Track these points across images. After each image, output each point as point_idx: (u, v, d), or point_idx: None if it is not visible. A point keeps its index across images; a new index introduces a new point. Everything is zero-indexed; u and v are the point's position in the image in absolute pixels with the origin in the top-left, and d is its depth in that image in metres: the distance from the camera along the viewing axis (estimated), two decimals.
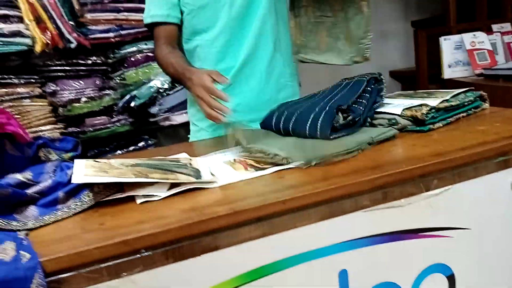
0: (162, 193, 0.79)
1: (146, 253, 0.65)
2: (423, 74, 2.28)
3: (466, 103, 1.14)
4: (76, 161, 0.85)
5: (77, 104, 2.16)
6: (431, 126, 1.04)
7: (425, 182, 0.80)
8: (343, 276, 0.76)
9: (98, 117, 2.21)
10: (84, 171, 0.81)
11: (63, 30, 2.03)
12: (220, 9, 1.26)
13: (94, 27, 2.12)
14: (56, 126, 2.14)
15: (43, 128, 2.11)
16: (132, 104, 2.20)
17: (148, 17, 1.31)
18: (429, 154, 0.84)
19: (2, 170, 0.86)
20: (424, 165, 0.79)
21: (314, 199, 0.73)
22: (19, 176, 0.82)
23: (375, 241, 0.78)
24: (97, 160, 0.87)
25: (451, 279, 0.86)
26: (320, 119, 1.01)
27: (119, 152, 2.30)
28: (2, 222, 0.71)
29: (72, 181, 0.77)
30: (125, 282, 0.64)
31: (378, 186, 0.76)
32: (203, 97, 1.07)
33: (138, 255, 0.64)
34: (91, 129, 2.20)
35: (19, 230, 0.71)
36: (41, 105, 2.12)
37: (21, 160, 0.93)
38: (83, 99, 2.15)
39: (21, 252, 0.63)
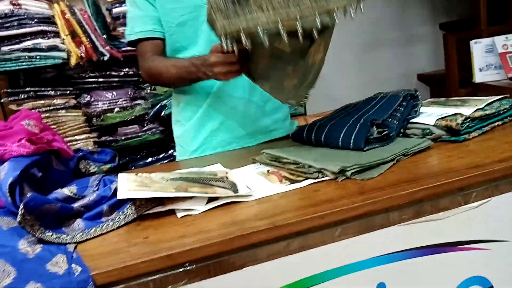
0: (201, 207, 0.82)
1: (189, 267, 0.67)
2: (453, 78, 2.25)
3: (501, 111, 1.12)
4: (119, 175, 0.89)
5: (110, 114, 2.22)
6: (466, 136, 1.04)
7: (464, 195, 0.80)
8: None
9: (130, 126, 2.28)
10: (127, 185, 0.84)
11: (97, 43, 2.10)
12: (200, 26, 1.20)
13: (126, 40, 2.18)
14: (90, 135, 2.21)
15: (77, 137, 2.19)
16: (163, 113, 2.25)
17: (133, 33, 1.25)
18: (466, 167, 0.84)
19: (49, 185, 0.90)
20: (462, 178, 0.79)
21: (352, 214, 0.74)
22: (66, 191, 0.86)
23: (413, 255, 0.78)
24: (138, 174, 0.91)
25: None
26: (354, 132, 1.02)
27: (150, 159, 2.36)
28: (53, 235, 0.75)
29: (117, 197, 0.80)
30: None
31: (415, 200, 0.77)
32: (220, 60, 1.02)
33: (182, 269, 0.67)
34: (123, 137, 2.26)
35: (68, 243, 0.74)
36: (75, 115, 2.20)
37: (65, 174, 0.98)
38: (116, 109, 2.21)
39: (73, 265, 0.66)
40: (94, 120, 2.21)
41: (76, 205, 0.83)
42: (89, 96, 2.18)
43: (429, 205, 0.78)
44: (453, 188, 0.79)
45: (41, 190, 0.84)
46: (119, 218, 0.82)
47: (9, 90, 2.11)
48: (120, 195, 0.79)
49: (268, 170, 1.00)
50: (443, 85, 2.54)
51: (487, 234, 0.83)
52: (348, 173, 0.87)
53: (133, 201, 0.83)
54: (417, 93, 1.15)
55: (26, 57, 2.05)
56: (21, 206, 0.71)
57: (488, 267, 0.84)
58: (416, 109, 1.13)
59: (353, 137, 1.01)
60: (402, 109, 1.10)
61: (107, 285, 0.65)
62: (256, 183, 0.92)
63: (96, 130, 2.24)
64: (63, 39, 2.08)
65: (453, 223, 0.79)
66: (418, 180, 0.80)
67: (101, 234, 0.78)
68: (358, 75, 2.90)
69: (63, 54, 2.09)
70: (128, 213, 0.82)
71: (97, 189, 0.89)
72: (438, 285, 0.81)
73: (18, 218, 0.70)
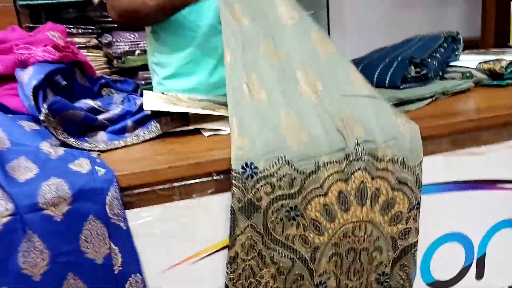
0: (229, 128, 0.78)
1: (217, 177, 0.64)
2: (488, 40, 2.15)
3: None
4: (145, 92, 0.85)
5: (131, 57, 2.18)
6: (509, 81, 0.98)
7: (507, 130, 0.75)
8: None
9: None
10: (154, 100, 0.81)
11: None
12: None
13: None
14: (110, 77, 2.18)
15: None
16: None
17: None
18: (511, 105, 0.78)
19: (71, 97, 0.87)
20: (508, 113, 0.74)
21: None
22: (91, 102, 0.83)
23: (450, 188, 0.74)
24: (164, 92, 0.87)
25: None
26: (391, 69, 0.97)
27: None
28: (75, 141, 0.73)
29: (143, 108, 0.77)
30: (195, 203, 0.64)
31: (455, 131, 0.72)
32: None
33: (210, 178, 0.64)
34: (143, 82, 2.23)
35: (91, 150, 0.72)
36: (96, 55, 2.17)
37: (89, 90, 0.95)
38: (137, 51, 2.17)
39: (96, 167, 0.64)
40: (115, 62, 2.17)
41: (100, 117, 0.80)
42: (110, 37, 2.14)
43: (470, 138, 0.74)
44: (498, 122, 0.74)
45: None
46: (143, 133, 0.79)
47: (31, 25, 2.07)
48: (146, 106, 0.76)
49: None
50: None
51: None
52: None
53: (158, 118, 0.80)
54: (459, 36, 1.08)
55: None
56: (45, 106, 0.68)
57: None
58: (457, 52, 1.07)
59: (389, 74, 0.96)
60: (443, 50, 1.04)
61: (132, 187, 0.62)
62: None
63: (116, 72, 2.21)
64: None
65: (495, 159, 0.75)
66: (460, 113, 0.76)
67: (125, 146, 0.75)
68: (387, 36, 2.79)
69: None
70: (152, 130, 0.79)
71: (122, 105, 0.86)
72: (472, 224, 0.78)
73: (42, 117, 0.68)
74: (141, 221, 0.63)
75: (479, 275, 0.81)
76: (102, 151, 0.73)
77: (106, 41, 2.13)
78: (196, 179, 0.64)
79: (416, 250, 0.72)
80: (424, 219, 0.74)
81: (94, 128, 0.80)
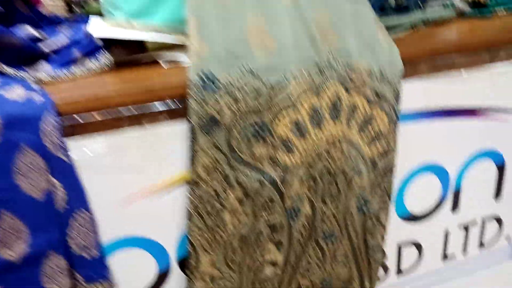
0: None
1: (172, 103, 0.58)
2: None
3: None
4: (92, 18, 0.76)
5: (93, 4, 2.03)
6: (493, 11, 0.91)
7: (491, 53, 0.69)
8: None
9: None
10: (103, 26, 0.72)
11: None
12: None
13: None
14: None
15: None
16: None
17: None
18: (495, 30, 0.73)
19: (12, 27, 0.78)
20: (491, 34, 0.68)
21: None
22: (32, 30, 0.74)
23: (427, 116, 0.69)
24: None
25: (501, 169, 0.78)
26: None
27: None
28: (11, 70, 0.64)
29: (90, 33, 0.68)
30: (147, 132, 0.57)
31: (437, 51, 0.66)
32: None
33: (163, 104, 0.57)
34: None
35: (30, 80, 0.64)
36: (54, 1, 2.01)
37: (32, 20, 0.85)
38: None
39: (32, 93, 0.56)
40: (75, 7, 2.02)
41: (43, 46, 0.72)
42: None
43: (450, 60, 0.68)
44: (480, 44, 0.68)
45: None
46: (93, 64, 0.70)
47: None
48: (94, 32, 0.68)
49: None
50: None
51: (509, 103, 0.74)
52: None
53: (110, 47, 0.71)
54: None
55: None
56: None
57: (505, 141, 0.76)
58: None
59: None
60: None
61: (74, 115, 0.55)
62: None
63: None
64: None
65: (475, 84, 0.70)
66: (438, 38, 0.70)
67: (71, 79, 0.67)
68: None
69: None
70: (103, 60, 0.71)
71: (69, 34, 0.76)
72: (448, 154, 0.74)
73: None
74: (86, 152, 0.56)
75: (455, 207, 0.78)
76: (44, 83, 0.65)
77: None
78: (147, 106, 0.57)
79: (395, 167, 0.67)
80: (399, 149, 0.69)
81: (36, 58, 0.71)
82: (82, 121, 0.55)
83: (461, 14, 0.92)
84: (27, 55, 0.69)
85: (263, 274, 0.66)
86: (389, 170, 0.66)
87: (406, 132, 0.69)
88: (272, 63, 0.58)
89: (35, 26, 0.85)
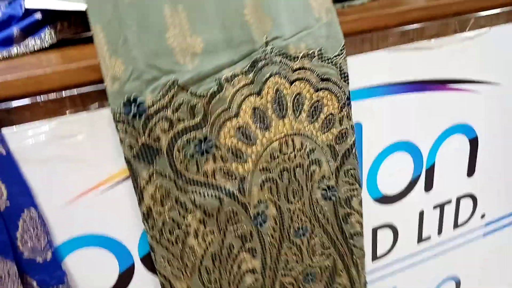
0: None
1: None
2: None
3: None
4: None
5: None
6: None
7: (460, 21, 0.67)
8: (357, 130, 0.65)
9: None
10: None
11: None
12: None
13: None
14: None
15: None
16: None
17: None
18: None
19: None
20: (461, 1, 0.65)
21: None
22: None
23: (396, 90, 0.66)
24: None
25: (473, 142, 0.76)
26: None
27: None
28: None
29: (26, 6, 0.61)
30: (94, 117, 0.52)
31: (404, 21, 0.63)
32: None
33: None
34: None
35: None
36: None
37: None
38: None
39: None
40: None
41: None
42: None
43: (420, 30, 0.65)
44: (449, 11, 0.65)
45: None
46: (34, 42, 0.64)
47: None
48: (28, 3, 0.61)
49: None
50: None
51: (479, 74, 0.72)
52: None
53: (53, 23, 0.65)
54: None
55: None
56: None
57: (476, 114, 0.74)
58: None
59: None
60: None
61: (8, 99, 0.49)
62: None
63: None
64: None
65: (444, 55, 0.67)
66: (406, 3, 0.66)
67: (8, 58, 0.61)
68: None
69: None
70: (45, 39, 0.64)
71: (4, 8, 0.69)
72: (419, 131, 0.71)
73: None
74: (26, 142, 0.50)
75: (428, 186, 0.76)
76: None
77: None
78: (92, 85, 0.51)
79: (356, 149, 0.63)
80: (368, 128, 0.66)
81: None
82: (17, 106, 0.49)
83: None
84: None
85: (245, 284, 0.63)
86: (350, 153, 0.62)
87: (376, 108, 0.66)
88: (202, 71, 0.51)
89: None
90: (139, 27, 0.49)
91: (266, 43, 0.54)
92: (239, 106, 0.54)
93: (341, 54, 0.57)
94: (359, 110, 0.64)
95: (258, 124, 0.55)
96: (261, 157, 0.57)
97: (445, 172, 0.76)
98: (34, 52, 0.62)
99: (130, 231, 0.59)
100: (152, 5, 0.50)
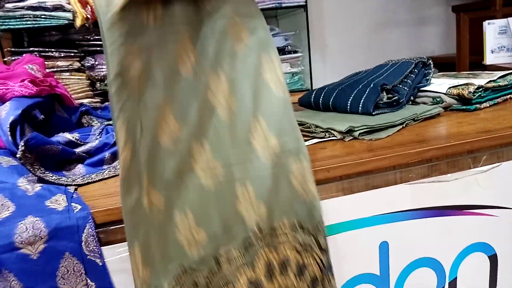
0: None
1: None
2: (464, 59, 2.21)
3: None
4: None
5: None
6: (477, 105, 1.02)
7: (474, 157, 0.78)
8: (384, 248, 0.76)
9: None
10: None
11: None
12: None
13: None
14: (93, 100, 2.19)
15: (80, 101, 2.17)
16: None
17: None
18: (477, 131, 0.82)
19: (51, 130, 0.88)
20: (474, 141, 0.77)
21: (358, 169, 0.72)
22: (68, 136, 0.84)
23: (418, 215, 0.76)
24: None
25: (493, 259, 0.84)
26: (364, 96, 1.00)
27: None
28: (52, 176, 0.74)
29: None
30: None
31: (424, 159, 0.75)
32: None
33: None
34: None
35: (68, 185, 0.73)
36: (79, 78, 2.18)
37: (68, 121, 0.96)
38: None
39: (72, 204, 0.65)
40: (98, 84, 2.18)
41: (78, 150, 0.82)
42: (93, 59, 2.15)
43: (437, 166, 0.76)
44: (463, 150, 0.77)
45: (42, 133, 0.83)
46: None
47: (13, 49, 2.07)
48: None
49: None
50: (453, 69, 2.49)
51: (494, 200, 0.81)
52: (356, 133, 0.86)
53: None
54: (429, 61, 1.12)
55: (30, 16, 2.01)
56: (22, 143, 0.70)
57: (493, 234, 0.83)
58: (428, 77, 1.11)
59: (362, 101, 0.99)
60: (414, 76, 1.08)
61: (108, 223, 0.63)
62: None
63: (99, 95, 2.22)
64: None
65: (460, 186, 0.78)
66: (427, 141, 0.79)
67: (103, 179, 0.77)
68: (367, 55, 2.87)
69: (69, 15, 2.05)
70: None
71: (100, 137, 0.87)
72: (441, 249, 0.80)
73: (19, 154, 0.69)
74: (117, 256, 0.64)
75: None
76: (80, 185, 0.74)
77: (89, 64, 2.14)
78: None
79: None
80: (394, 247, 0.76)
81: (72, 161, 0.81)
82: (114, 229, 0.63)
83: (448, 108, 1.03)
84: (65, 160, 0.79)
85: None
86: None
87: (400, 230, 0.76)
88: (204, 255, 0.62)
89: (71, 127, 0.96)
90: (158, 237, 0.62)
91: (257, 226, 0.63)
92: (235, 279, 0.62)
93: (320, 226, 0.65)
94: (386, 232, 0.75)
95: None
96: None
97: (468, 284, 0.84)
98: None
99: None
100: (166, 215, 0.62)
